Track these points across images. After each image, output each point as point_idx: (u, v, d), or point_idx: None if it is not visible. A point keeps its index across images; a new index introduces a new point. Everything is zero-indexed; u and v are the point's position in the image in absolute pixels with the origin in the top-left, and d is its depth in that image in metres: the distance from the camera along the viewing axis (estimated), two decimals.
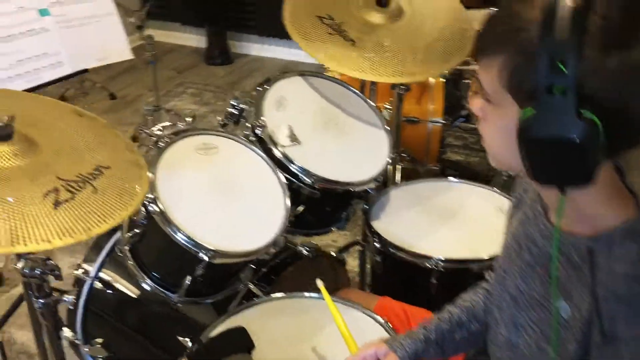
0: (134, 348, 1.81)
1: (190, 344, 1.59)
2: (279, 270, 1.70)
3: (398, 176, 2.67)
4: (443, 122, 2.76)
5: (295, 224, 1.72)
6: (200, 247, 1.34)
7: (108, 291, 1.70)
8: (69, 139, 1.17)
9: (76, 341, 1.72)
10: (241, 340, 1.31)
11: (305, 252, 1.73)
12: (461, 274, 1.61)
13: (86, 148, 1.16)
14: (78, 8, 1.88)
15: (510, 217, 1.05)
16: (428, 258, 1.61)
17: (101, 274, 1.65)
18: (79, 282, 1.74)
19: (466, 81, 2.70)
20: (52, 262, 1.13)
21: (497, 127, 0.82)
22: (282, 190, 1.52)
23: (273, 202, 1.50)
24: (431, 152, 3.08)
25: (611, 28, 0.70)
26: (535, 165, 0.76)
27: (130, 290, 1.68)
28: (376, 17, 1.80)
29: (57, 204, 1.00)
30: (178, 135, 1.49)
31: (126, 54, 2.01)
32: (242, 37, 4.87)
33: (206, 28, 4.75)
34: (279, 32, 4.66)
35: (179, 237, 1.34)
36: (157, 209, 1.34)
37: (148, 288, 1.49)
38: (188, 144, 1.49)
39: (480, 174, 3.29)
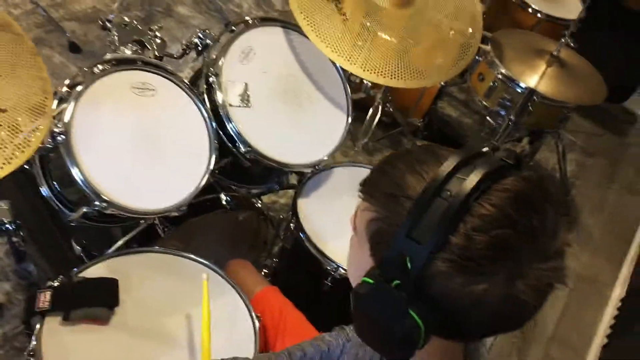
0: (38, 223, 1.84)
1: (80, 250, 1.63)
2: (192, 213, 1.67)
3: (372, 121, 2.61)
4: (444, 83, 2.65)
5: (225, 172, 1.69)
6: (95, 193, 1.31)
7: (26, 167, 1.69)
8: None
9: None
10: (108, 294, 1.33)
11: (224, 201, 1.70)
12: None
13: None
14: None
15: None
16: (331, 261, 1.61)
17: None
18: None
19: (478, 58, 2.52)
20: None
21: (354, 258, 0.84)
22: (208, 157, 1.45)
23: (193, 165, 1.44)
24: (421, 105, 2.97)
25: (470, 254, 0.68)
26: (359, 326, 0.78)
27: None
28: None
29: None
30: (118, 65, 1.38)
31: None
32: None
33: None
34: None
35: (75, 175, 1.30)
36: (64, 139, 1.28)
37: (44, 194, 1.47)
38: (125, 78, 1.39)
39: (462, 137, 3.22)
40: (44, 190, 1.46)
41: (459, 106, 3.45)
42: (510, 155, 0.73)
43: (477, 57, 2.58)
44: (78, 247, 1.60)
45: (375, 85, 2.54)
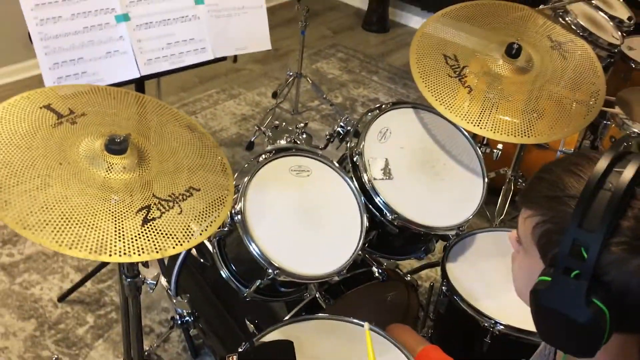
0: (212, 311, 2.05)
1: (253, 327, 1.79)
2: (348, 287, 1.81)
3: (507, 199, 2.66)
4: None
5: (376, 245, 1.83)
6: (268, 262, 1.49)
7: (201, 260, 1.93)
8: (174, 156, 1.34)
9: (168, 291, 1.99)
10: (286, 354, 1.47)
11: (377, 274, 1.82)
12: (516, 343, 1.63)
13: (187, 167, 1.33)
14: None
15: None
16: (488, 318, 1.65)
17: (199, 244, 1.87)
18: None
19: (607, 122, 2.55)
20: None
21: (522, 268, 0.88)
22: (360, 226, 1.61)
23: (349, 235, 1.60)
24: None
25: None
26: (541, 327, 0.82)
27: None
28: (503, 67, 1.77)
29: (145, 221, 1.19)
30: (277, 153, 1.62)
31: (265, 45, 2.15)
32: (404, 6, 4.84)
33: None
34: (441, 8, 4.60)
35: (252, 249, 1.50)
36: (240, 219, 1.50)
37: (224, 276, 1.68)
38: (284, 163, 1.62)
39: None
40: (224, 272, 1.67)
41: None
42: None
43: (604, 122, 2.62)
44: (251, 325, 1.76)
45: (503, 162, 2.63)
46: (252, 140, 3.28)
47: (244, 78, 3.93)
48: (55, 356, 2.14)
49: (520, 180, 2.71)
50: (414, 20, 4.85)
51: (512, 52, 1.75)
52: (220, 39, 2.03)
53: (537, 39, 1.89)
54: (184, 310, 1.98)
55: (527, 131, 1.68)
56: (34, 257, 2.50)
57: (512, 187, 2.69)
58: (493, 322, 1.63)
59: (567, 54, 1.87)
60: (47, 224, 1.09)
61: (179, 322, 1.98)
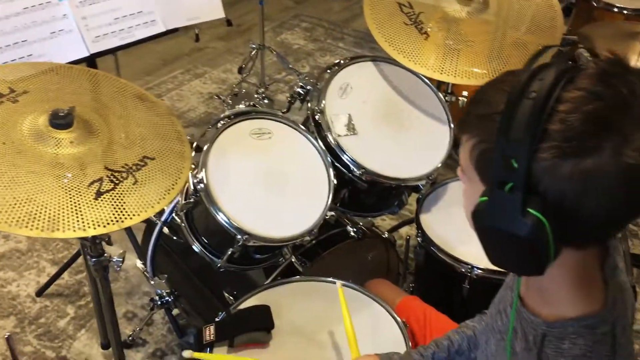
0: (191, 289, 2.02)
1: (232, 299, 1.77)
2: (324, 247, 1.79)
3: None
4: None
5: (348, 204, 1.80)
6: (237, 229, 1.46)
7: (174, 237, 1.89)
8: (125, 127, 1.30)
9: (145, 273, 1.95)
10: (263, 319, 1.44)
11: (352, 233, 1.80)
12: (495, 285, 1.62)
13: (139, 137, 1.29)
14: None
15: None
16: (465, 264, 1.63)
17: (171, 222, 1.83)
18: (149, 225, 1.96)
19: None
20: None
21: (469, 198, 0.85)
22: (328, 184, 1.58)
23: (317, 194, 1.57)
24: None
25: (570, 134, 0.70)
26: (486, 248, 0.79)
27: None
28: (459, 10, 1.74)
29: (98, 194, 1.15)
30: (236, 117, 1.58)
31: (218, 13, 2.09)
32: None
33: None
34: None
35: (219, 218, 1.46)
36: (203, 188, 1.47)
37: (197, 250, 1.65)
38: (244, 127, 1.58)
39: None
40: (196, 246, 1.64)
41: None
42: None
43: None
44: (230, 297, 1.74)
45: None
46: (222, 117, 3.23)
47: (207, 56, 3.86)
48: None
49: None
50: None
51: None
52: (170, 10, 1.97)
53: None
54: (163, 291, 1.96)
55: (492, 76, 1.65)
56: (7, 255, 2.45)
57: None
58: (470, 267, 1.62)
59: None
60: None
61: (159, 302, 1.96)
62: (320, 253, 1.76)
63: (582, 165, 0.70)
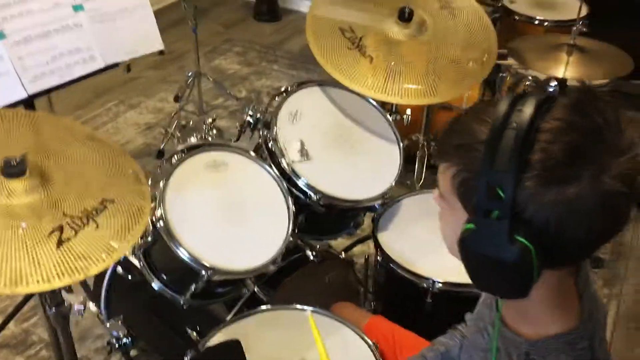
0: (150, 328, 1.97)
1: (195, 334, 1.73)
2: (285, 274, 1.78)
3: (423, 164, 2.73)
4: None
5: (306, 228, 1.81)
6: (201, 265, 1.44)
7: (129, 276, 1.84)
8: (79, 170, 1.26)
9: (100, 316, 1.89)
10: (235, 354, 1.42)
11: (312, 257, 1.80)
12: (457, 298, 1.66)
13: (95, 178, 1.25)
14: (111, 1, 1.94)
15: None
16: (425, 279, 1.67)
17: (124, 261, 1.78)
18: None
19: (503, 74, 2.65)
20: None
21: (449, 223, 0.88)
22: (287, 212, 1.59)
23: (277, 222, 1.57)
24: None
25: (551, 163, 0.74)
26: (472, 274, 0.82)
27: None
28: (398, 32, 1.79)
29: (60, 243, 1.11)
30: (190, 151, 1.56)
31: (157, 45, 2.07)
32: None
33: None
34: None
35: (181, 254, 1.44)
36: (163, 226, 1.44)
37: (156, 288, 1.61)
38: (199, 161, 1.57)
39: None
40: (156, 284, 1.60)
41: None
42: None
43: (501, 75, 2.72)
44: (194, 333, 1.70)
45: (413, 129, 2.69)
46: (161, 147, 3.17)
47: (141, 86, 3.79)
48: None
49: (432, 143, 2.78)
50: (304, 4, 4.84)
51: (405, 16, 1.77)
52: (109, 45, 1.92)
53: (426, 1, 1.92)
54: (120, 332, 1.89)
55: (431, 92, 1.71)
56: None
57: (427, 151, 2.75)
58: (431, 281, 1.65)
59: (456, 11, 1.92)
60: None
61: (117, 345, 1.89)
62: (281, 280, 1.76)
63: (564, 193, 0.74)
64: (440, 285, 1.65)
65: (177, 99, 3.61)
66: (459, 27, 1.87)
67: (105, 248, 1.14)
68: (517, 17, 3.04)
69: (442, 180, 0.85)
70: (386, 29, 1.80)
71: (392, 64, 1.76)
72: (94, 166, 1.29)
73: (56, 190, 1.20)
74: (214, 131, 1.82)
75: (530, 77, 2.55)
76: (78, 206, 1.18)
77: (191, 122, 1.77)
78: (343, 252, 1.94)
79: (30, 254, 1.07)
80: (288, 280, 1.74)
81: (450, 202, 0.85)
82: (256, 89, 3.83)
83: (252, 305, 1.70)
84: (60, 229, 1.13)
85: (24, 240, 1.09)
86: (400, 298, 1.80)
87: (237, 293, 1.67)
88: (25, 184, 1.16)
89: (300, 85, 1.81)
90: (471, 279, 0.83)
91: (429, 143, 2.75)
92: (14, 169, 1.14)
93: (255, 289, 1.70)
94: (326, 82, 1.84)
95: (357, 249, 2.44)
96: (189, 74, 3.35)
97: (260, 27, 4.64)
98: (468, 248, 0.79)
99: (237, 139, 1.87)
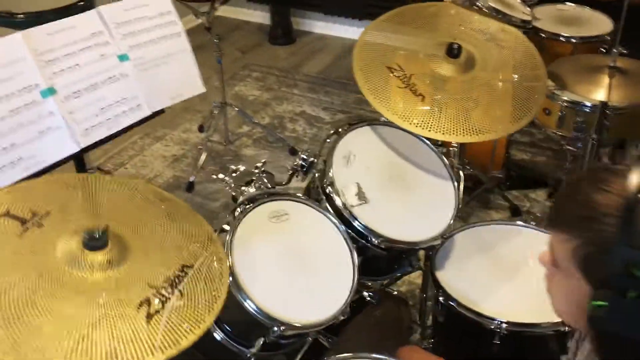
0: None
1: None
2: (346, 319, 1.76)
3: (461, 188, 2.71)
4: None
5: (363, 271, 1.79)
6: (272, 319, 1.42)
7: None
8: (155, 235, 1.24)
9: None
10: None
11: (368, 297, 1.79)
12: (526, 337, 1.64)
13: (171, 243, 1.24)
14: (155, 49, 1.93)
15: (575, 346, 1.08)
16: (491, 319, 1.64)
17: None
18: None
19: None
20: None
21: (563, 292, 0.86)
22: (351, 259, 1.57)
23: (342, 270, 1.56)
24: (497, 157, 3.07)
25: None
26: (605, 352, 0.80)
27: None
28: (447, 68, 1.78)
29: (149, 316, 1.09)
30: (251, 203, 1.55)
31: (199, 88, 2.06)
32: (305, 14, 4.84)
33: (270, 5, 4.74)
34: (343, 10, 4.63)
35: (250, 308, 1.42)
36: (232, 280, 1.42)
37: (219, 339, 1.59)
38: (261, 213, 1.55)
39: (547, 176, 3.25)
40: (218, 334, 1.58)
41: (527, 149, 3.53)
42: None
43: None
44: None
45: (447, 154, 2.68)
46: (191, 180, 3.17)
47: (165, 118, 3.77)
48: None
49: (467, 167, 2.77)
50: (318, 26, 4.85)
51: (454, 52, 1.76)
52: (154, 92, 1.92)
53: (470, 34, 1.91)
54: None
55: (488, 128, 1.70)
56: None
57: (462, 176, 2.74)
58: (498, 322, 1.63)
59: (502, 42, 1.91)
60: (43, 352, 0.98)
61: None
62: (343, 325, 1.74)
63: None
64: (506, 325, 1.63)
65: (201, 128, 3.62)
66: (507, 57, 1.86)
67: (191, 318, 1.13)
68: (543, 35, 3.03)
69: (560, 250, 0.83)
70: (435, 66, 1.78)
71: (444, 100, 1.75)
72: (167, 229, 1.28)
73: (136, 259, 1.18)
74: (264, 174, 1.81)
75: (565, 99, 2.54)
76: (159, 275, 1.17)
77: (241, 167, 1.75)
78: (393, 290, 1.92)
79: (123, 333, 1.06)
80: (352, 322, 1.72)
81: (567, 270, 0.83)
82: (279, 114, 3.82)
83: (314, 352, 1.68)
84: (147, 301, 1.11)
85: (116, 318, 1.08)
86: (465, 339, 1.77)
87: (302, 343, 1.65)
88: (109, 256, 1.14)
89: (352, 126, 1.80)
90: (598, 353, 0.81)
91: (463, 167, 2.73)
92: (97, 242, 1.13)
93: (320, 337, 1.68)
94: (376, 122, 1.83)
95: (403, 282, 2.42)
96: (215, 104, 3.35)
97: (277, 51, 4.64)
98: (602, 327, 0.77)
99: (287, 182, 1.86)
